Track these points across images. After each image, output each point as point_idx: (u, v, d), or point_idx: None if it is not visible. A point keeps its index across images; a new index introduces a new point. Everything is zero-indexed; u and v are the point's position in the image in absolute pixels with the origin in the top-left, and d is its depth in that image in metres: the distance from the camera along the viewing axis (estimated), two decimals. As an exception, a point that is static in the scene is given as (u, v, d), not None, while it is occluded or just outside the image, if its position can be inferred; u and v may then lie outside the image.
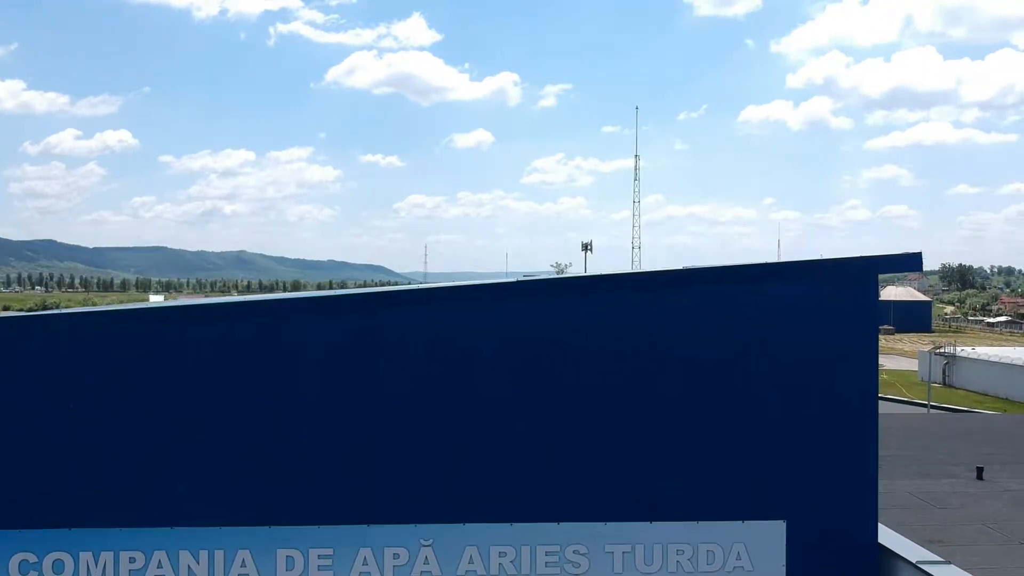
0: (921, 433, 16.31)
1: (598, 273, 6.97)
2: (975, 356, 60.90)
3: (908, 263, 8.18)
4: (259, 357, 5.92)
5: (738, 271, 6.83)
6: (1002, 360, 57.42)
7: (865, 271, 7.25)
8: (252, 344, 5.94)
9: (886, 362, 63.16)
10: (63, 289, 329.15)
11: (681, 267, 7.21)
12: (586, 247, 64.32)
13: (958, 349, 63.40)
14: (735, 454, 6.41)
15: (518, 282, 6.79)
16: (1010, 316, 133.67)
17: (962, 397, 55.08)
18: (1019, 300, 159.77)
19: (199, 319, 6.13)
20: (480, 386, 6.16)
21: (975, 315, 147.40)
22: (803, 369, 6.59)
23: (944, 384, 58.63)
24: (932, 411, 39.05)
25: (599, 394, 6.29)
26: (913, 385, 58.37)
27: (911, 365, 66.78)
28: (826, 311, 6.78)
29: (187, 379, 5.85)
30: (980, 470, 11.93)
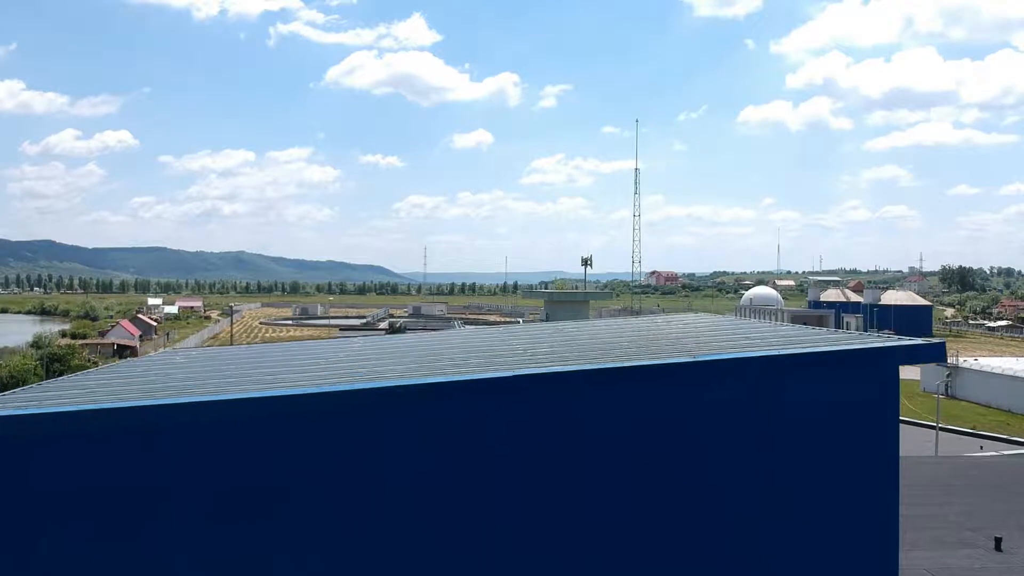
0: (933, 485, 15.94)
1: (617, 365, 6.62)
2: (978, 368, 60.65)
3: (930, 353, 7.90)
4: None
5: (750, 364, 6.60)
6: (1005, 372, 57.16)
7: (886, 361, 7.06)
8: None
9: (888, 373, 62.51)
10: (62, 290, 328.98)
11: (692, 359, 6.89)
12: (586, 262, 64.01)
13: (960, 359, 63.11)
14: (759, 552, 6.29)
15: (521, 376, 6.43)
16: (1011, 320, 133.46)
17: (965, 409, 54.82)
18: (1019, 303, 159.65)
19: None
20: (488, 487, 5.97)
21: (976, 319, 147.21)
22: (822, 460, 6.49)
23: (947, 395, 58.31)
24: (940, 433, 38.77)
25: (618, 498, 6.16)
26: (915, 396, 58.09)
27: (913, 374, 66.44)
28: (845, 403, 6.64)
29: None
30: (998, 540, 11.58)
